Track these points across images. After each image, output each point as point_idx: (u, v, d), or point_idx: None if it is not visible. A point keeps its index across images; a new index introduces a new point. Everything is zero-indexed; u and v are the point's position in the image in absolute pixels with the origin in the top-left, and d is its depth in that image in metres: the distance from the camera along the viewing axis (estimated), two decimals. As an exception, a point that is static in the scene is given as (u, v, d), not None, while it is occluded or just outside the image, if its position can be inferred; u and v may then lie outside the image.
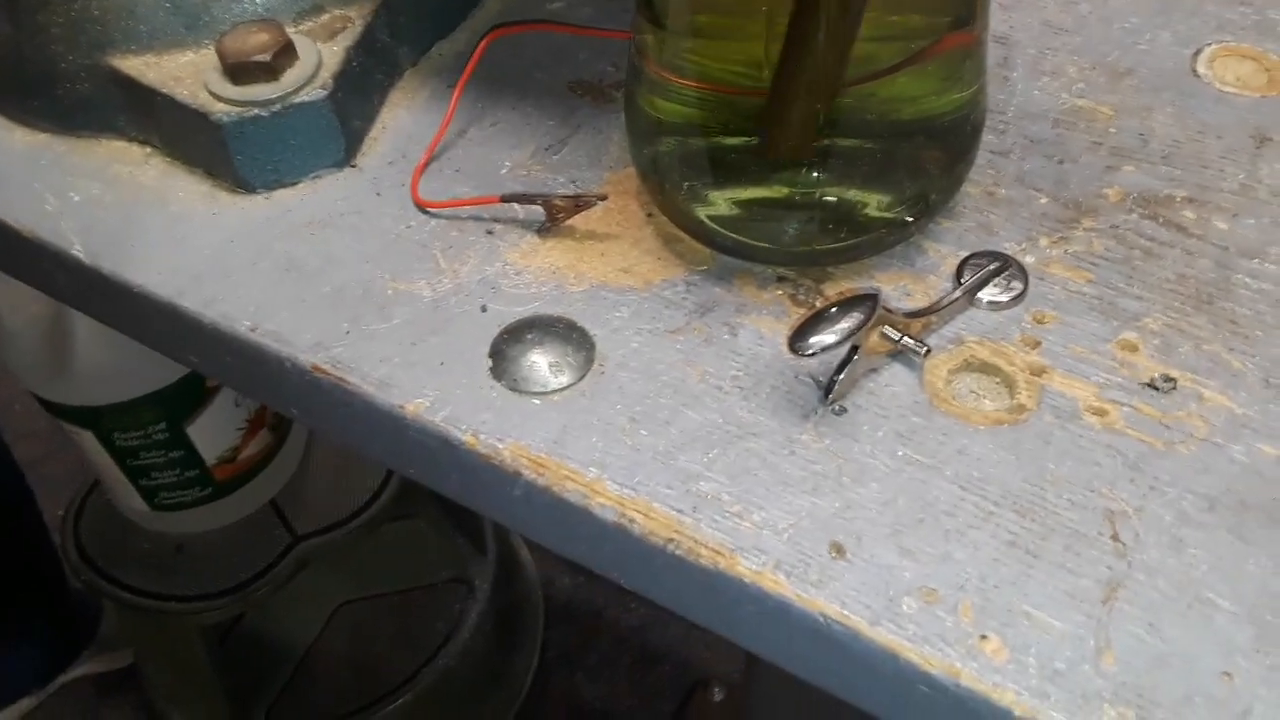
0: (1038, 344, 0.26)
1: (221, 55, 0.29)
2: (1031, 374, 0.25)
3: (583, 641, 1.16)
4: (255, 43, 0.29)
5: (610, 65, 0.34)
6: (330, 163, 0.31)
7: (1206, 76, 0.32)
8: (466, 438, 0.26)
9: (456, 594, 0.99)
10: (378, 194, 0.31)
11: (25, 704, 1.10)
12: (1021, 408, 0.25)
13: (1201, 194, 0.29)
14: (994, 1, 0.33)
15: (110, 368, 0.66)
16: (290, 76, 0.30)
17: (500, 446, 0.25)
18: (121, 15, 0.30)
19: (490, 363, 0.27)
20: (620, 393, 0.26)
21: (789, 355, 0.26)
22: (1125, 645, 0.21)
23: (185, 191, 0.31)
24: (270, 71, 0.30)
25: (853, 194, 0.27)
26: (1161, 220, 0.28)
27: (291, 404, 0.29)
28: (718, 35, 0.26)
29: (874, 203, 0.27)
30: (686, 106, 0.27)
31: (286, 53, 0.30)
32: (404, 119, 0.33)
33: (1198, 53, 0.33)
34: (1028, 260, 0.28)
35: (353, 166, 0.32)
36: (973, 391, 0.26)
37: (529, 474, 0.25)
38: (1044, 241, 0.28)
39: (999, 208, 0.29)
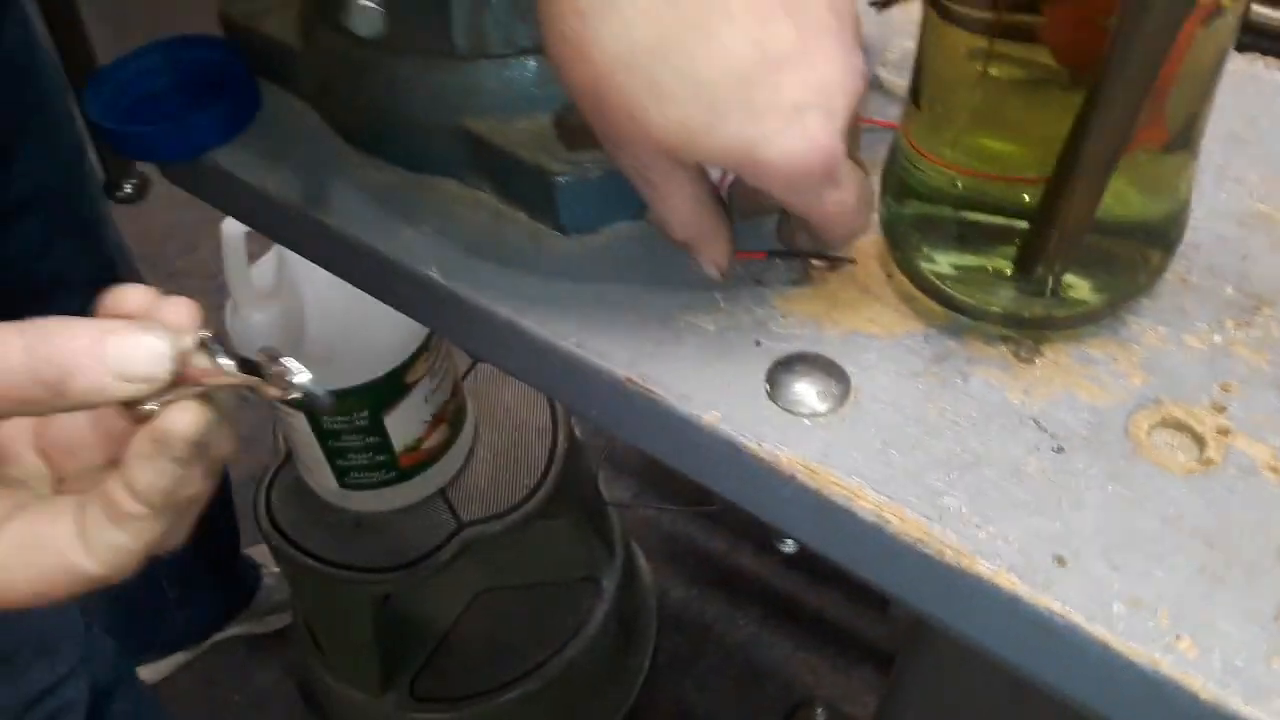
0: (1224, 409, 0.32)
1: (562, 127, 0.37)
2: (1218, 433, 0.31)
3: (692, 651, 1.22)
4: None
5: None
6: (628, 215, 0.39)
7: (1379, 191, 0.37)
8: (752, 445, 0.32)
9: (586, 592, 1.06)
10: (664, 243, 0.38)
11: (180, 658, 1.21)
12: (1210, 461, 0.31)
13: (1371, 294, 0.34)
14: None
15: (332, 358, 0.76)
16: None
17: (779, 454, 0.32)
18: (477, 89, 0.38)
19: (767, 387, 0.34)
20: (874, 420, 0.33)
21: (1016, 401, 0.32)
22: (1295, 655, 0.27)
23: (514, 231, 0.39)
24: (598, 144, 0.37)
25: (1071, 279, 0.33)
26: (1335, 314, 0.34)
27: (602, 409, 0.36)
28: (987, 140, 0.33)
29: (1089, 286, 0.33)
30: (940, 185, 0.34)
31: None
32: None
33: (1371, 169, 0.38)
34: (1215, 339, 0.33)
35: (645, 220, 0.39)
36: (1168, 444, 0.31)
37: (802, 478, 0.32)
38: (1229, 324, 0.34)
39: (1191, 293, 0.35)
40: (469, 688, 1.01)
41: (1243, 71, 0.42)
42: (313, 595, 0.96)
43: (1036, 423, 0.32)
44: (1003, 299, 0.34)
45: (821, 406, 0.33)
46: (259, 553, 1.20)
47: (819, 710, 1.14)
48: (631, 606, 1.15)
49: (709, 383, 0.34)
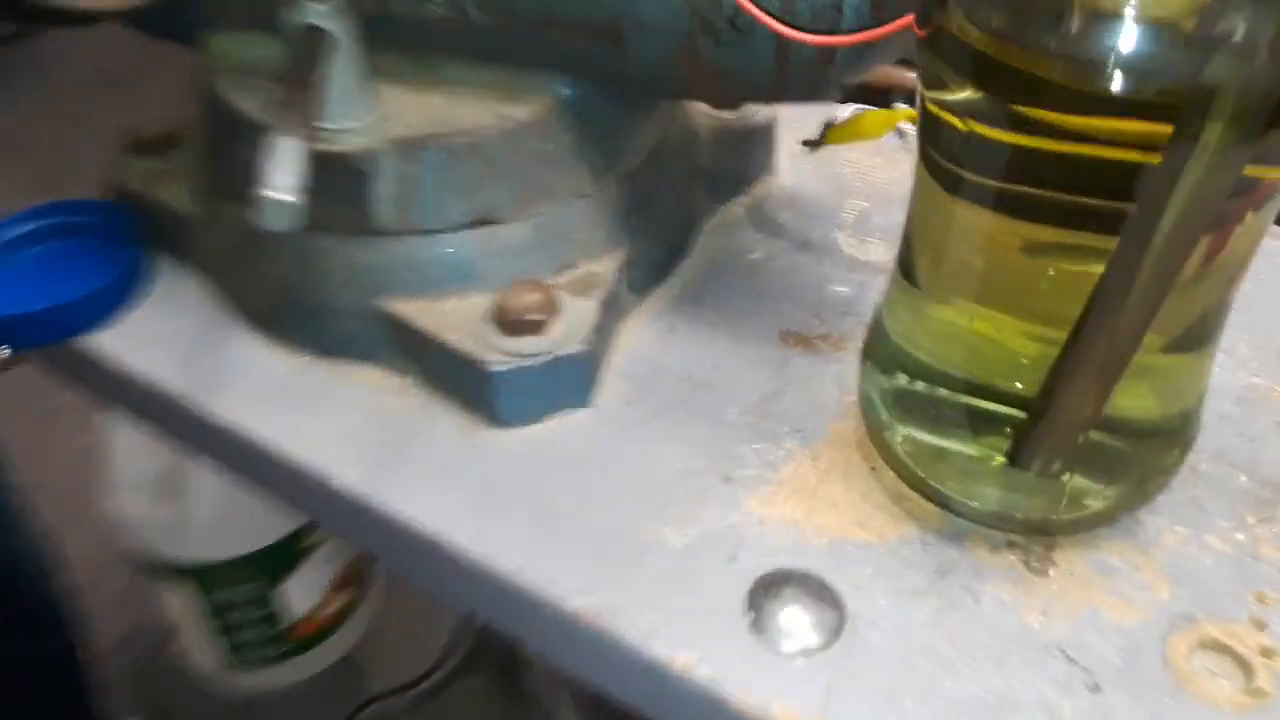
0: (1264, 625, 0.28)
1: (501, 311, 0.32)
2: (1263, 656, 0.27)
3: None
4: (530, 301, 0.32)
5: (814, 317, 0.38)
6: (575, 402, 0.34)
7: (1371, 363, 0.35)
8: (737, 697, 0.27)
9: (506, 757, 0.97)
10: (619, 434, 0.34)
11: None
12: (1261, 692, 0.27)
13: (1391, 483, 0.32)
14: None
15: (221, 526, 0.68)
16: (555, 331, 0.33)
17: (772, 708, 0.27)
18: (402, 268, 0.33)
19: (750, 616, 0.29)
20: (877, 655, 0.28)
21: (1035, 625, 0.28)
22: None
23: (443, 424, 0.34)
24: (539, 327, 0.32)
25: (1079, 481, 0.29)
26: (1359, 507, 0.31)
27: (551, 644, 0.30)
28: (980, 318, 0.29)
29: (1098, 489, 0.30)
30: (933, 366, 0.30)
31: (554, 309, 0.33)
32: (633, 361, 0.36)
33: (1359, 338, 0.36)
34: (1238, 538, 0.30)
35: (591, 406, 0.34)
36: (1208, 669, 0.28)
37: (801, 734, 0.26)
38: (1250, 520, 0.31)
39: (1203, 484, 0.32)
40: None
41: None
42: (196, 787, 0.85)
43: (1064, 654, 0.28)
44: (1004, 498, 0.30)
45: (815, 640, 0.28)
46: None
47: None
48: (554, 768, 1.06)
49: (680, 613, 0.29)
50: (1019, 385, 0.29)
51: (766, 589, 0.29)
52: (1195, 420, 0.30)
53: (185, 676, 0.80)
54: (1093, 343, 0.26)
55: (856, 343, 0.36)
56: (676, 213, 0.38)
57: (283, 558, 0.71)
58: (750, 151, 0.42)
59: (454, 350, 0.32)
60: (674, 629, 0.28)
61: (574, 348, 0.32)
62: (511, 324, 0.32)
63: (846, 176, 0.44)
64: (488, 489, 0.32)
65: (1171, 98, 0.22)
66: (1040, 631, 0.28)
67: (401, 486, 0.32)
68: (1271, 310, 0.37)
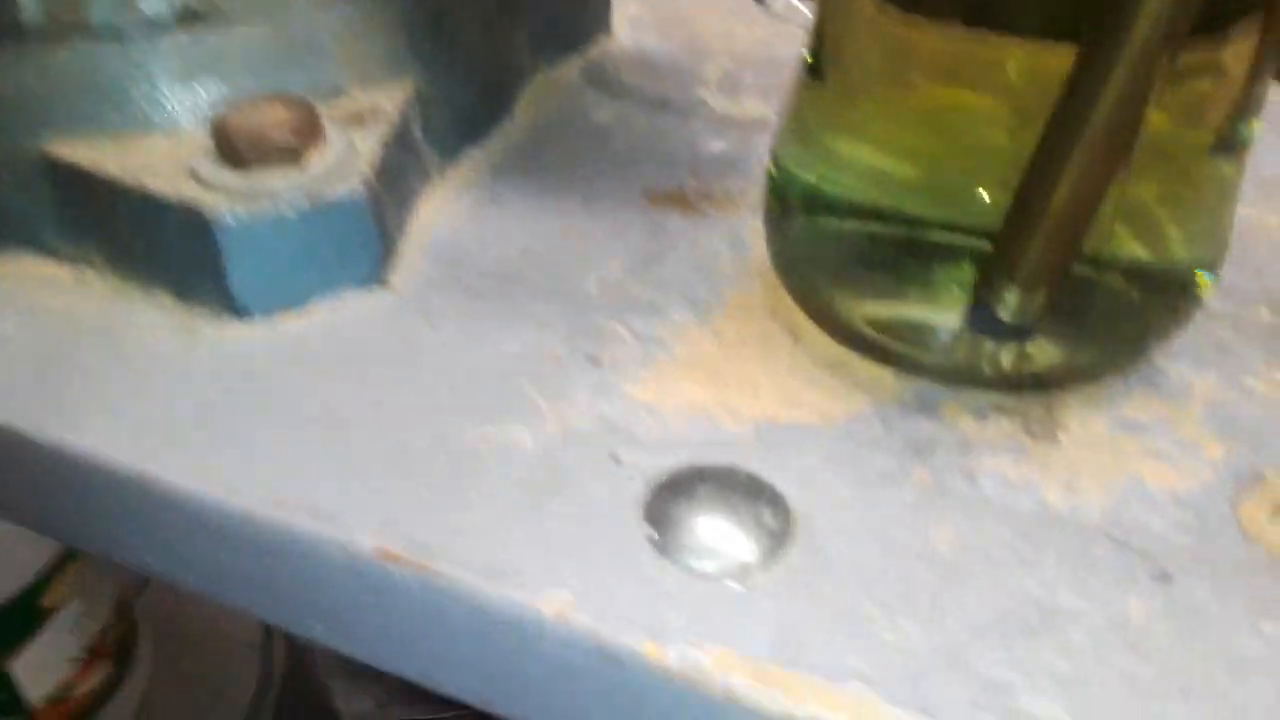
0: (1355, 478, 0.20)
1: (224, 134, 0.21)
2: (1364, 516, 0.20)
3: None
4: (272, 118, 0.22)
5: (690, 176, 0.28)
6: (357, 280, 0.23)
7: (1357, 188, 0.29)
8: (643, 646, 0.17)
9: None
10: (426, 319, 0.23)
11: None
12: (1383, 559, 0.19)
13: None
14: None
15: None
16: (316, 163, 0.22)
17: (703, 657, 0.17)
18: (69, 91, 0.22)
19: (653, 533, 0.19)
20: (849, 567, 0.18)
21: (1062, 506, 0.19)
22: None
23: (147, 327, 0.22)
24: (292, 155, 0.22)
25: (1052, 339, 0.21)
26: None
27: (341, 617, 0.19)
28: (932, 104, 0.21)
29: (1091, 334, 0.21)
30: (867, 190, 0.21)
31: (313, 133, 0.22)
32: (440, 232, 0.26)
33: (1335, 166, 0.30)
34: (1276, 376, 0.23)
35: (384, 285, 0.24)
36: (1299, 541, 0.19)
37: (750, 695, 0.16)
38: (1292, 358, 0.23)
39: (1220, 323, 0.24)
40: None
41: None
42: None
43: (1110, 537, 0.19)
44: (984, 345, 0.21)
45: (751, 555, 0.18)
46: None
47: None
48: None
49: (542, 541, 0.18)
50: (984, 196, 0.21)
51: (673, 493, 0.19)
52: (1223, 252, 0.22)
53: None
54: (1080, 116, 0.18)
55: (750, 201, 0.27)
56: (487, 49, 0.28)
57: (14, 625, 0.55)
58: (579, 2, 0.33)
59: (154, 200, 0.21)
60: (538, 562, 0.18)
61: (346, 188, 0.22)
62: (245, 152, 0.21)
63: (702, 39, 0.35)
64: (226, 405, 0.21)
65: None
66: (1070, 513, 0.19)
67: (87, 419, 0.20)
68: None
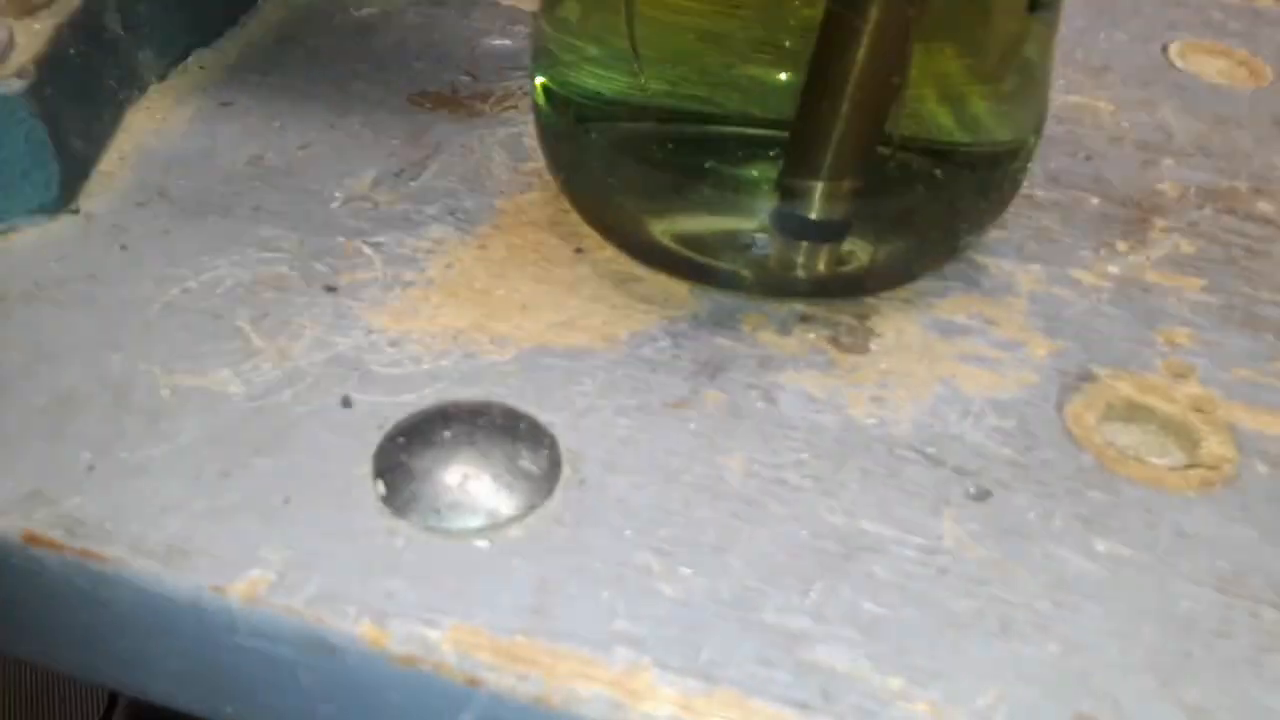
0: (1188, 373, 0.18)
1: None
2: (1197, 411, 0.18)
3: None
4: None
5: (464, 74, 0.24)
6: (34, 203, 0.19)
7: (1187, 71, 0.27)
8: (359, 628, 0.13)
9: None
10: (123, 247, 0.19)
11: None
12: (1220, 458, 0.17)
13: (1265, 185, 0.23)
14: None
15: None
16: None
17: (432, 634, 0.13)
18: None
19: (381, 489, 0.15)
20: (622, 510, 0.15)
21: (869, 421, 0.16)
22: None
23: None
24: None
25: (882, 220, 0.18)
26: (1241, 214, 0.22)
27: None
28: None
29: (908, 222, 0.19)
30: (643, 81, 0.18)
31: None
32: (153, 144, 0.21)
33: (1164, 48, 0.28)
34: (1112, 269, 0.20)
35: (73, 211, 0.19)
36: (1139, 444, 0.17)
37: (495, 676, 0.13)
38: (1121, 246, 0.21)
39: (1047, 212, 0.22)
40: None
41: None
42: None
43: (921, 453, 0.16)
44: (784, 252, 0.18)
45: (506, 506, 0.15)
46: None
47: None
48: None
49: (237, 509, 0.15)
50: (783, 76, 0.18)
51: (410, 439, 0.16)
52: (1030, 141, 0.20)
53: None
54: None
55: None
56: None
57: None
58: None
59: None
60: (229, 536, 0.14)
61: (4, 84, 0.17)
62: None
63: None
64: None
65: None
66: (878, 427, 0.17)
67: None
68: (1060, 35, 0.29)
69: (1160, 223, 0.22)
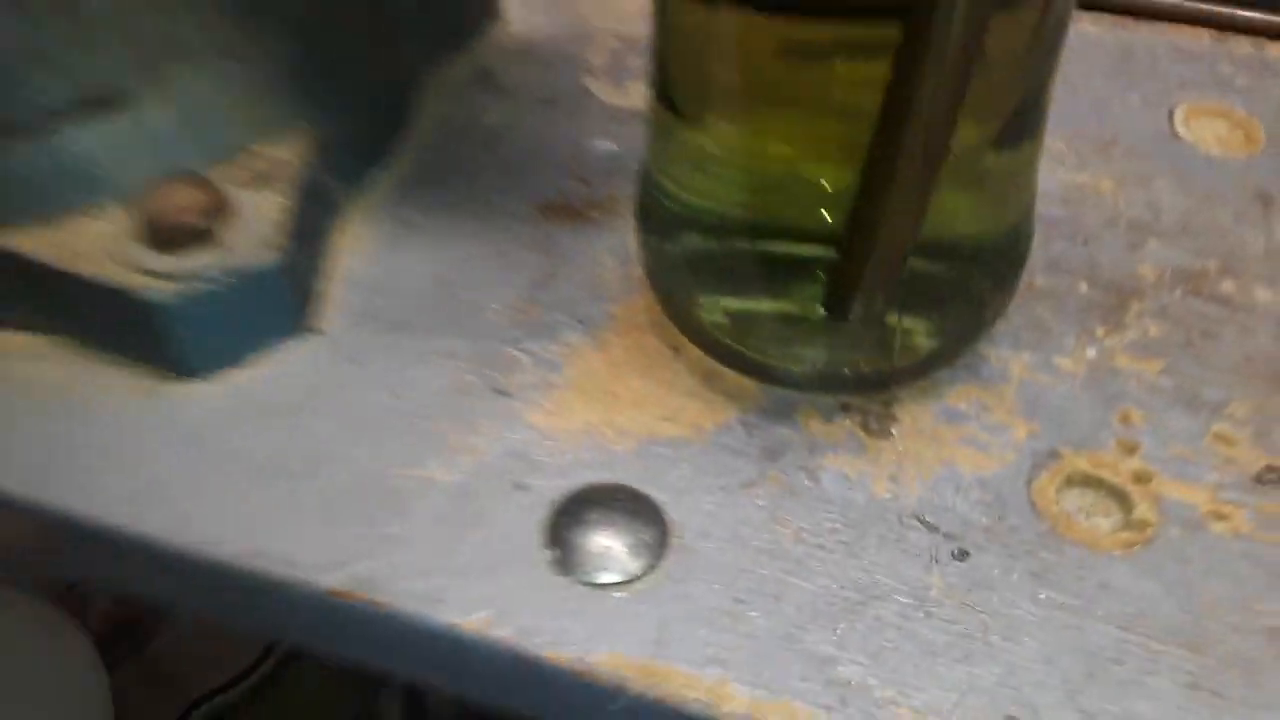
0: (1134, 448, 0.24)
1: (142, 220, 0.24)
2: (1137, 482, 0.24)
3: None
4: (185, 201, 0.24)
5: (578, 181, 0.31)
6: (286, 331, 0.26)
7: (1188, 140, 0.32)
8: (548, 653, 0.21)
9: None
10: (353, 361, 0.26)
11: None
12: (1145, 523, 0.23)
13: (1232, 263, 0.28)
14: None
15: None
16: (230, 239, 0.25)
17: (591, 659, 0.21)
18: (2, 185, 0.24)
19: (551, 554, 0.23)
20: (712, 568, 0.22)
21: (886, 495, 0.23)
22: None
23: (108, 389, 0.25)
24: (206, 235, 0.24)
25: (908, 320, 0.25)
26: (1206, 295, 0.28)
27: (312, 634, 0.23)
28: (768, 137, 0.24)
29: (928, 327, 0.25)
30: (720, 211, 0.24)
31: (221, 211, 0.25)
32: (353, 265, 0.29)
33: (1171, 114, 0.33)
34: (1090, 354, 0.26)
35: (312, 330, 0.27)
36: (1082, 509, 0.24)
37: (635, 685, 0.21)
38: (1099, 331, 0.27)
39: (1043, 300, 0.28)
40: None
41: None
42: None
43: (922, 521, 0.23)
44: (830, 355, 0.25)
45: (634, 567, 0.22)
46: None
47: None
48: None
49: (463, 568, 0.22)
50: (825, 217, 0.24)
51: (567, 516, 0.23)
52: (1027, 232, 0.26)
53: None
54: (899, 144, 0.20)
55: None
56: (377, 74, 0.30)
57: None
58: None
59: (91, 284, 0.24)
60: (459, 587, 0.22)
61: (261, 258, 0.25)
62: (165, 236, 0.24)
63: (586, 15, 0.37)
64: (185, 461, 0.24)
65: None
66: (893, 501, 0.23)
67: (71, 479, 0.24)
68: (1079, 101, 0.33)
69: (1136, 306, 0.27)
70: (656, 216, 0.26)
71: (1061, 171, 0.31)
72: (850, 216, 0.23)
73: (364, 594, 0.22)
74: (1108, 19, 0.36)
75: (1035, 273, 0.28)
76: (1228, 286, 0.28)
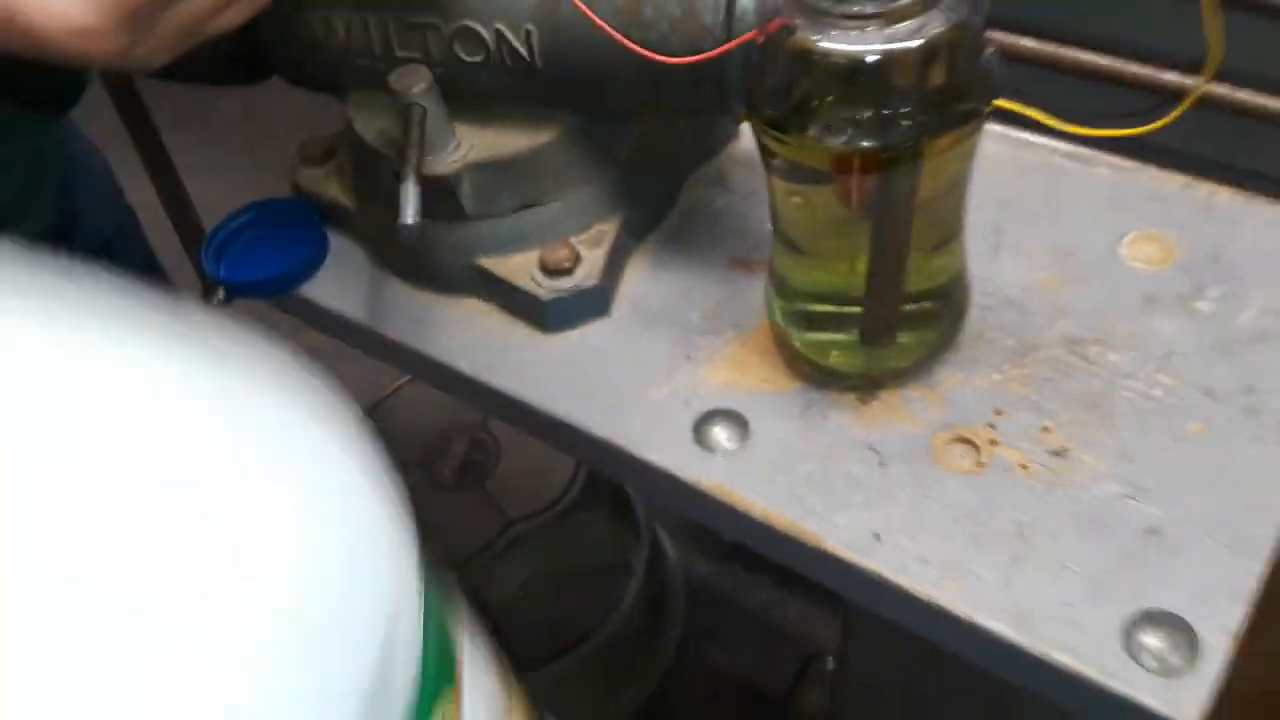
0: (995, 427, 0.47)
1: (544, 262, 0.53)
2: (989, 444, 0.47)
3: (717, 618, 1.38)
4: (561, 255, 0.53)
5: (755, 249, 0.57)
6: (596, 315, 0.55)
7: (1124, 256, 0.52)
8: (683, 476, 0.48)
9: (620, 574, 1.23)
10: (626, 333, 0.55)
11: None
12: (981, 464, 0.46)
13: (1106, 338, 0.49)
14: (992, 198, 0.54)
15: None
16: (580, 272, 0.54)
17: (701, 482, 0.48)
18: (483, 239, 0.54)
19: (694, 434, 0.50)
20: (766, 453, 0.49)
21: (860, 433, 0.48)
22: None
23: (516, 333, 0.55)
24: (569, 272, 0.53)
25: (904, 338, 0.49)
26: (1078, 355, 0.49)
27: (587, 455, 0.52)
28: (815, 253, 0.49)
29: (912, 339, 0.49)
30: (801, 286, 0.50)
31: (577, 258, 0.54)
32: (634, 285, 0.57)
33: (1122, 237, 0.53)
34: (995, 378, 0.49)
35: (609, 316, 0.55)
36: (957, 455, 0.47)
37: (717, 496, 0.48)
38: (1007, 367, 0.49)
39: (983, 346, 0.50)
40: (525, 657, 1.18)
41: (1040, 161, 0.58)
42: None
43: (870, 447, 0.48)
44: (864, 363, 0.50)
45: (730, 446, 0.49)
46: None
47: (828, 659, 1.30)
48: (660, 583, 1.32)
49: (656, 434, 0.50)
50: (857, 289, 0.48)
51: (706, 419, 0.50)
52: (959, 290, 0.49)
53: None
54: (884, 261, 0.45)
55: (780, 263, 0.55)
56: (659, 182, 0.58)
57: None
58: (717, 127, 0.61)
59: (519, 289, 0.53)
60: (655, 443, 0.50)
61: (590, 282, 0.53)
62: (552, 270, 0.53)
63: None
64: (549, 373, 0.53)
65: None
66: (862, 436, 0.48)
67: (498, 371, 0.54)
68: (1062, 223, 0.54)
69: (1033, 355, 0.49)
70: (774, 284, 0.51)
71: (1028, 270, 0.53)
72: (867, 287, 0.47)
73: (611, 438, 0.50)
74: (1109, 160, 0.56)
75: (988, 329, 0.51)
76: (1094, 350, 0.49)
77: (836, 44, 0.38)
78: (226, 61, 0.59)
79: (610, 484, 1.24)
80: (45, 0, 0.33)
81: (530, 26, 0.50)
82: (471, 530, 1.05)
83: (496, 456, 1.07)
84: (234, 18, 0.41)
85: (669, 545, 1.38)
